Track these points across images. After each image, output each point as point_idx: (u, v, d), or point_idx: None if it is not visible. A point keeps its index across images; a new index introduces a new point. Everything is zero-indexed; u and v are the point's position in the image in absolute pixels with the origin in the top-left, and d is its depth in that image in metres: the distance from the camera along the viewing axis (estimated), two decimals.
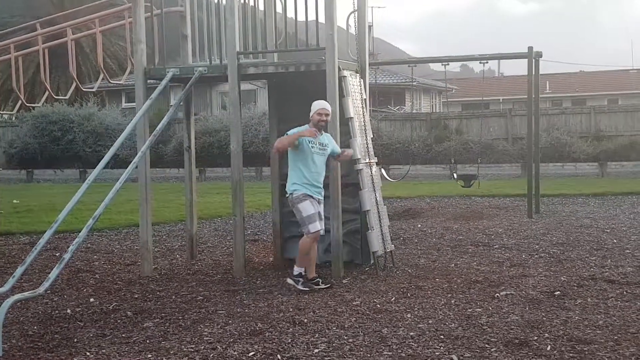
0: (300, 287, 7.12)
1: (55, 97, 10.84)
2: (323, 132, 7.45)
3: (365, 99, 8.42)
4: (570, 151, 24.26)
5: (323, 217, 7.37)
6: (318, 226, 7.19)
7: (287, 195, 7.35)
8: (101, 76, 9.59)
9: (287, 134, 7.32)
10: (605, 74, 47.21)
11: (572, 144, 24.45)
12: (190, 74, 8.23)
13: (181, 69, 8.39)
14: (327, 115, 7.37)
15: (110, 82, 9.90)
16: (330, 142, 7.49)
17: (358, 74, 8.40)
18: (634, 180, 19.54)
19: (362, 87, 8.41)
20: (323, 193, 7.41)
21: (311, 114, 7.37)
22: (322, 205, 7.37)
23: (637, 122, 25.75)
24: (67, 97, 11.01)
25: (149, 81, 8.52)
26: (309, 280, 7.27)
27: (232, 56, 7.98)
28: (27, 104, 11.23)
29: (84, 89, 11.16)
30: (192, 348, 5.34)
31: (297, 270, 7.21)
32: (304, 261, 7.22)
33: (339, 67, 7.79)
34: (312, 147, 7.26)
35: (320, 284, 7.24)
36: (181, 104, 8.88)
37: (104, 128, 28.87)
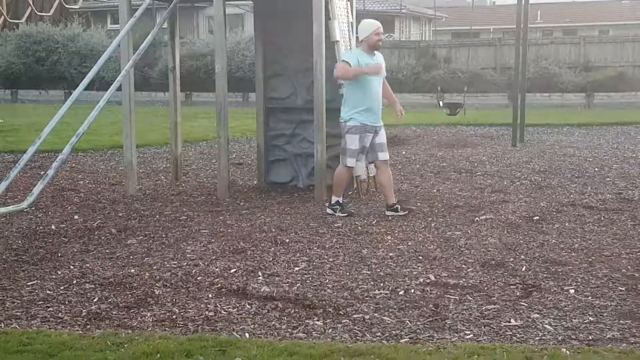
0: (339, 213, 7.00)
1: (39, 13, 10.61)
2: (376, 52, 7.16)
3: (352, 22, 8.34)
4: (558, 82, 24.13)
5: (383, 145, 7.16)
6: (354, 162, 7.08)
7: (341, 121, 7.12)
8: None
9: (345, 61, 6.94)
10: (597, 4, 46.53)
11: (560, 74, 24.31)
12: None
13: None
14: (382, 34, 7.10)
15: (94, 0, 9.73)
16: (383, 64, 7.27)
17: None
18: (620, 112, 19.58)
19: (349, 10, 8.32)
20: (380, 121, 7.18)
21: (366, 35, 6.99)
22: (380, 135, 7.14)
23: (626, 53, 25.61)
24: (50, 14, 10.81)
25: (134, 2, 8.39)
26: (388, 206, 7.15)
27: None
28: (11, 20, 11.01)
29: (67, 6, 10.93)
30: (174, 264, 5.44)
31: (334, 199, 7.12)
32: (339, 190, 7.12)
33: None
34: None
35: (399, 210, 7.09)
36: (166, 24, 8.76)
37: (89, 50, 28.35)
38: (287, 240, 6.12)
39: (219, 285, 4.95)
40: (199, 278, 5.11)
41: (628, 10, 43.61)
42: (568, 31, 40.69)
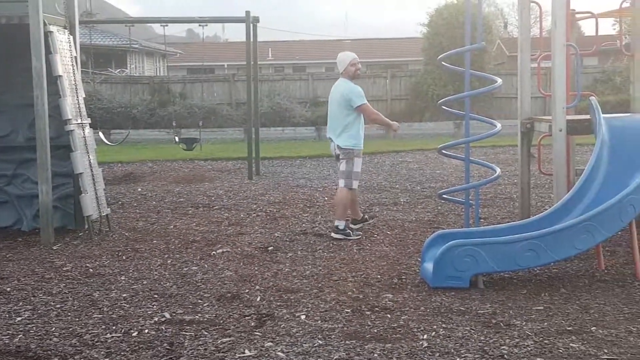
0: (354, 236, 7.48)
1: None
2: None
3: (75, 57, 8.01)
4: (291, 116, 25.24)
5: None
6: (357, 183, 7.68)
7: (345, 147, 7.47)
8: None
9: (366, 103, 7.47)
10: (323, 42, 49.72)
11: (292, 109, 25.44)
12: None
13: None
14: (359, 63, 7.72)
15: None
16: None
17: (67, 30, 7.95)
18: None
19: (72, 44, 7.99)
20: None
21: (343, 67, 7.59)
22: None
23: None
24: None
25: None
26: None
27: None
28: None
29: None
30: None
31: (341, 224, 7.50)
32: (344, 213, 7.56)
33: (44, 22, 7.31)
34: None
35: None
36: None
37: None
38: (9, 289, 5.65)
39: None
40: None
41: (349, 49, 47.03)
42: (298, 68, 42.87)
